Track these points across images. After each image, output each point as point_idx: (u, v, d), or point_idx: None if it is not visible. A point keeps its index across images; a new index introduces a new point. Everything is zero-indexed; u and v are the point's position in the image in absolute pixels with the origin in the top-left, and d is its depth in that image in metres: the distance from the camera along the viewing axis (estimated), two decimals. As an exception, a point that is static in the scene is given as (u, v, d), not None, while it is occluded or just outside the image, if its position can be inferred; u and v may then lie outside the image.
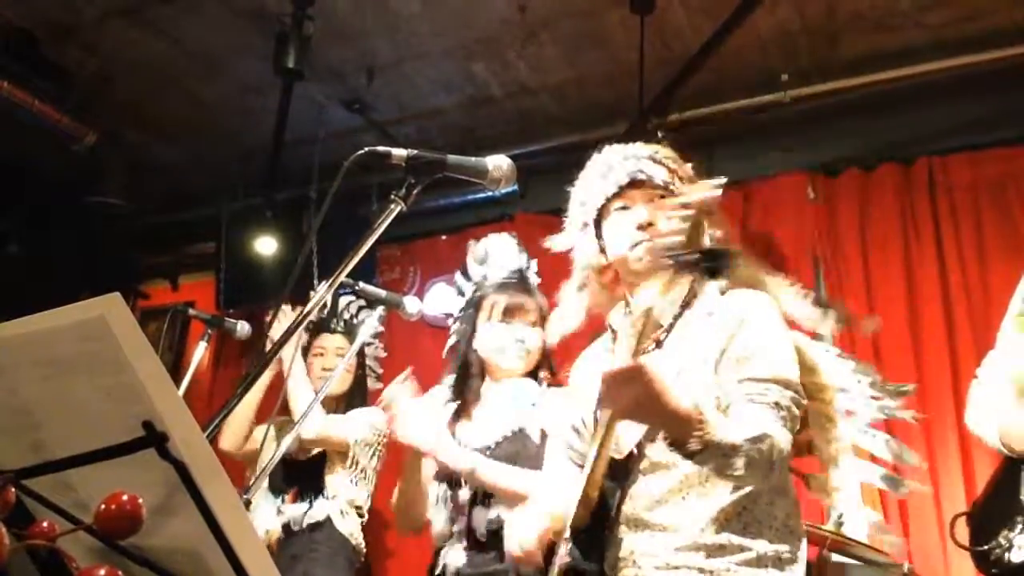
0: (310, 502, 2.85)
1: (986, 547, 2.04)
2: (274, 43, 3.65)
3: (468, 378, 2.34)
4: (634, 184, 1.76)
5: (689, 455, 1.43)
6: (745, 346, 1.59)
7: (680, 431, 1.43)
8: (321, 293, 1.32)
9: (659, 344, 1.71)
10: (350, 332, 3.01)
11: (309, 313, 1.31)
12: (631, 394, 1.40)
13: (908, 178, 3.86)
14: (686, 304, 1.74)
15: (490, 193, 3.88)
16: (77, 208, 4.83)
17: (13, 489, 0.70)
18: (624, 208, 1.77)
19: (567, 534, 1.54)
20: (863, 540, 2.66)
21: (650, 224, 1.70)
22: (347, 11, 3.71)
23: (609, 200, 1.78)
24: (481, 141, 4.46)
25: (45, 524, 0.70)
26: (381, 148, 1.37)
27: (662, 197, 1.72)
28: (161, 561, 0.72)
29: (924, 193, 3.79)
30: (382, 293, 2.32)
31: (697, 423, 1.41)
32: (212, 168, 4.97)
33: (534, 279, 2.45)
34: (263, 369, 1.24)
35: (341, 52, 3.99)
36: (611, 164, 1.81)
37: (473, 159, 1.46)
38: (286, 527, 2.82)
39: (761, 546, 1.55)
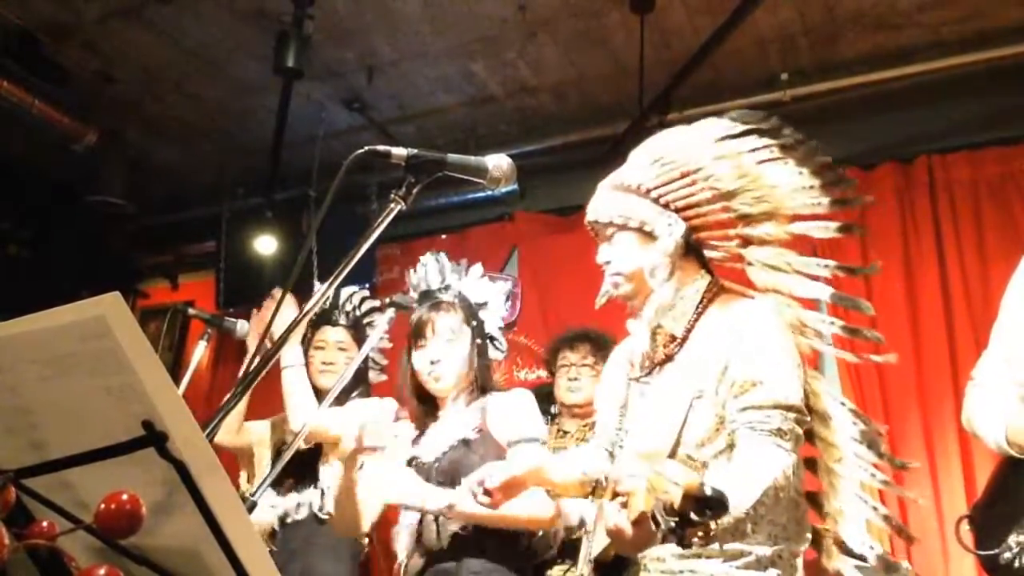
0: (304, 491, 2.85)
1: (995, 551, 2.01)
2: (274, 42, 3.65)
3: (417, 403, 2.33)
4: (592, 228, 1.90)
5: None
6: (745, 371, 1.61)
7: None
8: (322, 292, 1.32)
9: (670, 358, 1.75)
10: (353, 326, 3.01)
11: (310, 311, 1.31)
12: (636, 543, 1.40)
13: (908, 177, 3.86)
14: (701, 311, 1.76)
15: (490, 192, 3.89)
16: (77, 207, 4.83)
17: (13, 488, 0.70)
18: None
19: (589, 567, 1.68)
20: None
21: (608, 262, 1.83)
22: (347, 10, 3.71)
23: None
24: (481, 140, 4.47)
25: (45, 524, 0.70)
26: (381, 147, 1.37)
27: (610, 235, 1.84)
28: (161, 560, 0.72)
29: (924, 192, 3.80)
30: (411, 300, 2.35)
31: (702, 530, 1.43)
32: (212, 167, 4.97)
33: (459, 292, 2.30)
34: (264, 367, 1.24)
35: (341, 51, 4.00)
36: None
37: (473, 158, 1.46)
38: (282, 519, 2.82)
39: (762, 550, 1.59)
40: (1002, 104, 3.69)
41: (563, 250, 4.25)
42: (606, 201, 1.87)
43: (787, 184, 1.86)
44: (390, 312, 2.19)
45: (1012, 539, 1.96)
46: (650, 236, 1.80)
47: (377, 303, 3.01)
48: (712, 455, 1.63)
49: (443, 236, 4.84)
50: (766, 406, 1.57)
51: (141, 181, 4.79)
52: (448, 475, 2.10)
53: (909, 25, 3.63)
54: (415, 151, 1.38)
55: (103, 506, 0.65)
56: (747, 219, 1.82)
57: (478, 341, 2.25)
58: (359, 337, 2.94)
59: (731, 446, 1.62)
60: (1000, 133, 3.74)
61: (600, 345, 3.09)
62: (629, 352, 1.91)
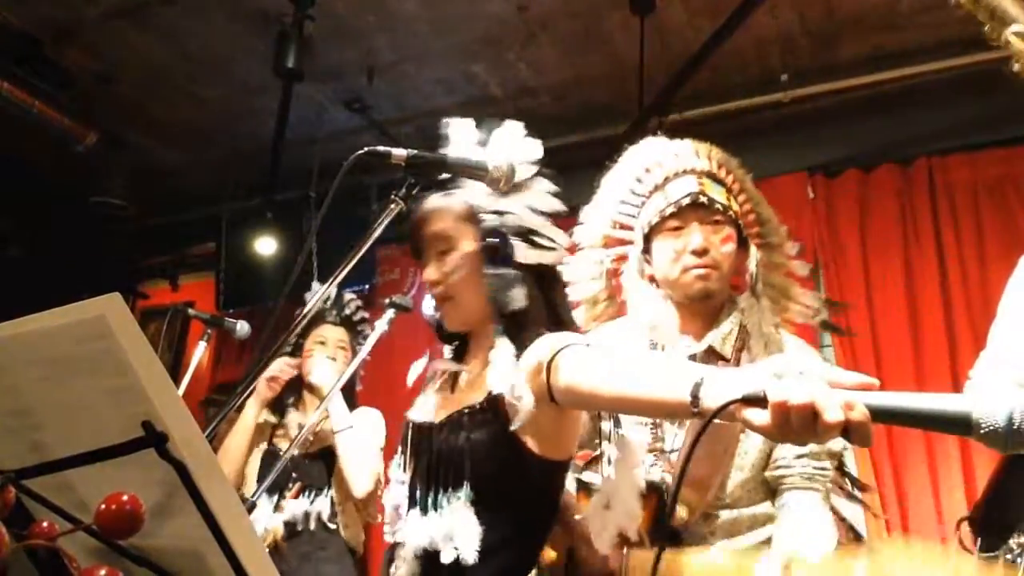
0: (313, 499, 2.85)
1: (995, 552, 2.01)
2: (274, 44, 3.66)
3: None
4: (693, 206, 1.71)
5: None
6: None
7: None
8: (321, 292, 1.32)
9: None
10: (351, 327, 3.03)
11: (310, 313, 1.31)
12: None
13: (907, 178, 3.86)
14: (740, 346, 1.73)
15: (490, 193, 3.88)
16: (78, 208, 4.83)
17: (13, 489, 0.70)
18: (678, 228, 1.72)
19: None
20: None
21: (705, 251, 1.68)
22: (347, 11, 3.71)
23: (664, 219, 1.73)
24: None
25: (45, 524, 0.71)
26: (381, 148, 1.37)
27: (716, 222, 1.71)
28: (161, 562, 0.72)
29: (924, 193, 3.80)
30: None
31: None
32: (212, 168, 4.97)
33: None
34: (263, 370, 1.24)
35: (341, 52, 4.00)
36: (665, 174, 1.76)
37: (473, 158, 1.46)
38: (289, 525, 2.81)
39: None
40: (1002, 106, 3.68)
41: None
42: (715, 189, 1.74)
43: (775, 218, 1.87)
44: (390, 313, 2.16)
45: (1013, 540, 1.96)
46: (743, 242, 1.76)
47: (367, 315, 3.02)
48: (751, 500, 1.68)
49: (443, 237, 4.85)
50: (822, 454, 1.62)
51: (142, 182, 4.79)
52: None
53: (909, 26, 3.63)
54: (415, 152, 1.38)
55: (103, 506, 0.65)
56: (768, 247, 1.82)
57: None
58: (354, 341, 2.97)
59: (772, 489, 1.66)
60: (1000, 135, 3.74)
61: None
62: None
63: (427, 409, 1.54)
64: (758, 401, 0.84)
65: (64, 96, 4.21)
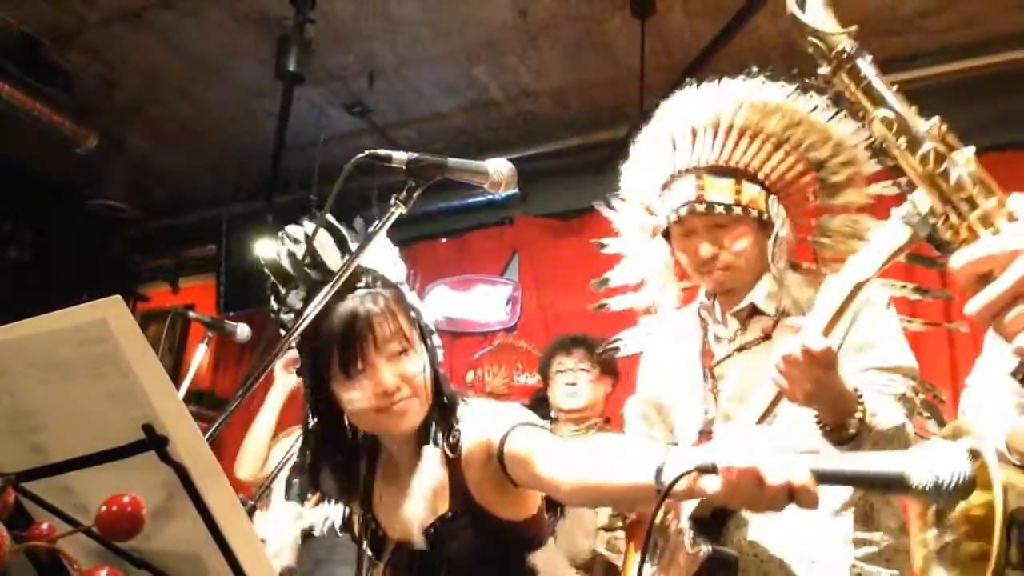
0: (331, 507, 2.85)
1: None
2: (275, 47, 3.66)
3: None
4: (692, 214, 1.66)
5: (842, 441, 1.39)
6: (865, 333, 1.53)
7: (844, 411, 1.38)
8: (322, 296, 1.31)
9: (768, 336, 1.66)
10: None
11: (309, 316, 1.31)
12: (817, 376, 1.31)
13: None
14: (779, 306, 1.68)
15: (490, 196, 3.90)
16: (78, 211, 4.84)
17: (13, 491, 0.70)
18: (686, 233, 1.70)
19: (688, 523, 1.47)
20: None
21: (714, 257, 1.66)
22: (348, 15, 3.72)
23: (672, 223, 1.71)
24: (482, 144, 4.47)
25: (45, 526, 0.70)
26: (382, 151, 1.37)
27: (721, 224, 1.66)
28: (161, 564, 0.72)
29: (924, 197, 3.79)
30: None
31: (857, 403, 1.38)
32: (213, 171, 4.98)
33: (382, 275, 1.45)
34: (263, 373, 1.24)
35: (342, 56, 4.00)
36: (671, 171, 1.73)
37: (473, 162, 1.45)
38: (307, 532, 2.81)
39: (886, 540, 1.53)
40: (1004, 109, 3.69)
41: (564, 254, 4.25)
42: (717, 187, 1.67)
43: (857, 140, 1.68)
44: None
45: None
46: (766, 223, 1.67)
47: None
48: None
49: (443, 240, 4.85)
50: (888, 368, 1.51)
51: (142, 185, 4.80)
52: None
53: (910, 31, 3.63)
54: (416, 155, 1.37)
55: (104, 508, 0.65)
56: (831, 188, 1.70)
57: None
58: None
59: None
60: (1002, 139, 3.73)
61: (595, 349, 3.06)
62: (675, 340, 1.80)
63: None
64: (710, 470, 0.91)
65: (65, 99, 4.21)
